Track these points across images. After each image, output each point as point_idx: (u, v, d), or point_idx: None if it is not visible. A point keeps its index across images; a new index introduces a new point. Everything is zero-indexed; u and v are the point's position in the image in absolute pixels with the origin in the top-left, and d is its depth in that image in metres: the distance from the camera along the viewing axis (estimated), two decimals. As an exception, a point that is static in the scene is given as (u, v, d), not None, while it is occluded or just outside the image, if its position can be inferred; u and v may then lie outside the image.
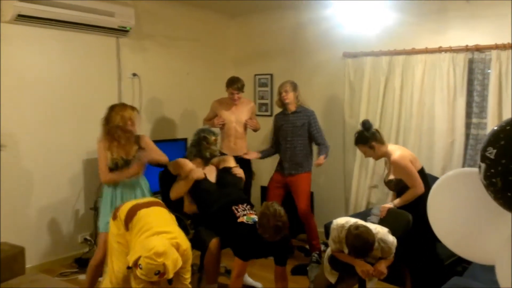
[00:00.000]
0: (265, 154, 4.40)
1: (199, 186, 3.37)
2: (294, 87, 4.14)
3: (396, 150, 3.42)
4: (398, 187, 3.41)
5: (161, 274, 2.27)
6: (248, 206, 3.27)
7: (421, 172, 3.42)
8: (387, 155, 3.43)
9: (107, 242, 2.94)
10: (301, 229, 4.39)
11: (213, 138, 3.55)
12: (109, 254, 2.78)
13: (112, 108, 3.21)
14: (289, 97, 4.11)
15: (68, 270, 3.88)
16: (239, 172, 3.59)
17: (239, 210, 3.19)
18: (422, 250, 3.26)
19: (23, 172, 3.75)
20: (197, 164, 3.51)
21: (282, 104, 4.20)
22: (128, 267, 2.33)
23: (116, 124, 3.13)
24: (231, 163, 3.64)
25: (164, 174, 3.68)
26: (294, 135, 4.15)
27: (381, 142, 3.43)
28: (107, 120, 3.17)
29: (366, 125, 3.46)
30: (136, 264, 2.28)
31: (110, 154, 3.13)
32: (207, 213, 3.31)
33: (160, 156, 3.32)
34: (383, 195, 4.42)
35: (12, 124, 3.63)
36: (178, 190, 3.41)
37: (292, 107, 4.16)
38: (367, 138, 3.40)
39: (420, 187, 3.29)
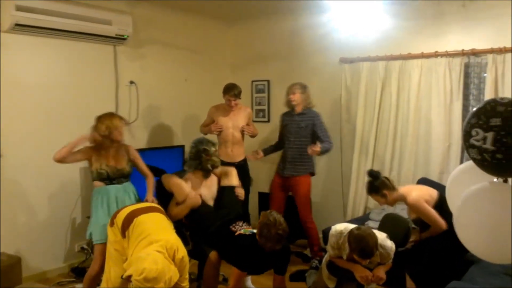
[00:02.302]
0: (266, 151, 4.39)
1: (195, 213, 3.30)
2: (303, 89, 4.18)
3: (410, 192, 3.27)
4: (423, 223, 3.31)
5: None
6: (245, 223, 3.27)
7: (440, 201, 3.22)
8: (401, 198, 3.30)
9: (103, 253, 2.93)
10: (300, 235, 4.37)
11: (213, 149, 3.49)
12: (107, 260, 2.77)
13: (98, 118, 3.23)
14: (296, 99, 4.15)
15: (65, 279, 3.86)
16: (241, 193, 3.55)
17: (236, 227, 3.20)
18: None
19: (20, 180, 3.73)
20: (197, 178, 3.45)
21: (289, 105, 4.23)
22: (122, 277, 2.32)
23: (102, 134, 3.15)
24: (234, 180, 3.57)
25: (161, 183, 3.66)
26: (298, 135, 4.16)
27: (392, 188, 3.30)
28: (94, 129, 3.20)
29: (372, 174, 3.35)
30: (128, 279, 2.26)
31: (100, 164, 3.16)
32: (204, 233, 3.28)
33: (147, 174, 3.40)
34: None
35: (9, 133, 3.62)
36: (175, 214, 3.31)
37: (298, 108, 4.18)
38: (377, 187, 3.29)
39: (441, 224, 3.13)
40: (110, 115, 3.24)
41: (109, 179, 3.20)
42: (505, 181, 1.92)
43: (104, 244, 3.02)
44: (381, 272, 2.90)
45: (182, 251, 2.51)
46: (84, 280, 3.17)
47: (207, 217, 3.30)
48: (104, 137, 3.16)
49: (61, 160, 3.10)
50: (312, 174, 4.30)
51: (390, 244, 2.94)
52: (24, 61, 3.72)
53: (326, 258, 3.18)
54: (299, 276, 3.90)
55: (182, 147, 4.74)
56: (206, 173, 3.48)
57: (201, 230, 3.31)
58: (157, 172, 3.61)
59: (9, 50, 3.59)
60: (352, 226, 3.01)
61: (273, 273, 3.13)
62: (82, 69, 4.10)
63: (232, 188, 3.52)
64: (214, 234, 3.21)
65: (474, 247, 2.05)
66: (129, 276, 2.25)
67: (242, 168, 4.22)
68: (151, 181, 3.41)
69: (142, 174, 3.43)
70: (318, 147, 4.00)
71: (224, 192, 3.49)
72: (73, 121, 4.04)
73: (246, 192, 4.26)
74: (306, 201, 4.20)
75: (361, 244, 2.76)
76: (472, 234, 2.03)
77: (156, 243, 2.42)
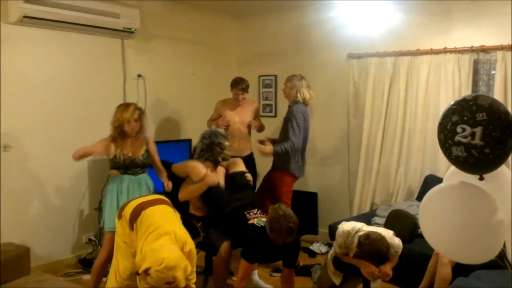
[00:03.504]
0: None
1: (211, 191, 3.32)
2: (289, 81, 3.96)
3: None
4: None
5: (171, 283, 2.27)
6: (260, 211, 3.28)
7: None
8: None
9: (112, 241, 2.94)
10: (305, 230, 4.38)
11: (226, 143, 3.50)
12: (115, 252, 2.79)
13: (116, 108, 3.31)
14: (284, 91, 4.03)
15: (73, 270, 3.90)
16: (250, 178, 3.58)
17: (250, 214, 3.21)
18: None
19: (27, 172, 3.76)
20: (207, 167, 3.46)
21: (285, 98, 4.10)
22: (137, 273, 2.32)
23: (113, 125, 3.24)
24: (242, 167, 3.60)
25: (170, 174, 3.67)
26: (281, 131, 4.02)
27: None
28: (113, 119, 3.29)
29: None
30: (146, 272, 2.27)
31: (116, 152, 3.22)
32: (219, 215, 3.30)
33: (160, 169, 3.47)
34: (387, 196, 4.42)
35: (17, 125, 3.65)
36: (189, 193, 3.35)
37: (288, 102, 4.01)
38: None
39: None
40: (125, 107, 3.28)
41: (124, 167, 3.25)
42: (481, 178, 1.93)
43: (113, 232, 3.04)
44: (388, 268, 2.90)
45: (190, 244, 2.52)
46: (92, 270, 3.21)
47: (224, 196, 3.34)
48: (115, 128, 3.23)
49: (78, 159, 3.25)
50: (292, 174, 3.95)
51: (397, 242, 2.93)
52: (32, 54, 3.74)
53: (331, 253, 3.18)
54: (304, 271, 3.90)
55: (189, 140, 4.74)
56: (216, 164, 3.51)
57: (216, 210, 3.33)
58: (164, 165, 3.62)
59: (17, 42, 3.61)
60: (359, 225, 3.00)
61: (282, 266, 3.14)
62: (90, 62, 4.11)
63: (242, 173, 3.54)
64: (229, 217, 3.23)
65: (437, 246, 2.08)
66: (146, 270, 2.25)
67: (249, 162, 4.22)
68: (165, 175, 3.46)
69: (156, 169, 3.47)
70: (267, 147, 3.77)
71: (235, 177, 3.51)
72: (80, 113, 4.06)
73: (253, 187, 4.27)
74: (281, 201, 3.83)
75: (376, 253, 2.77)
76: (435, 232, 2.06)
77: (166, 235, 2.43)
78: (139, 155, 3.29)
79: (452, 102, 1.96)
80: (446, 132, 1.90)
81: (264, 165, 4.83)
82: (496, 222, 1.91)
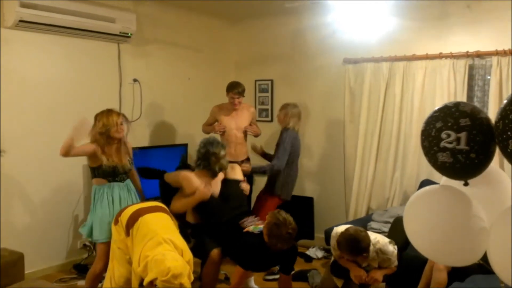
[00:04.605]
0: (266, 156, 4.35)
1: (206, 204, 3.26)
2: (284, 108, 4.10)
3: None
4: None
5: None
6: (257, 218, 3.25)
7: None
8: None
9: (106, 253, 2.92)
10: (302, 235, 4.36)
11: (222, 153, 3.43)
12: (110, 258, 2.77)
13: (96, 116, 3.18)
14: (279, 117, 4.13)
15: (67, 276, 3.87)
16: (246, 188, 3.55)
17: (245, 223, 3.18)
18: None
19: (22, 177, 3.74)
20: (204, 176, 3.40)
21: None
22: (141, 285, 2.30)
23: (99, 131, 3.10)
24: (238, 175, 3.57)
25: (164, 181, 3.65)
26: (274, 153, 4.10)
27: None
28: (93, 127, 3.15)
29: None
30: (151, 283, 2.25)
31: (104, 161, 3.12)
32: (212, 225, 3.26)
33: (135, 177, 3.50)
34: (383, 201, 4.42)
35: (12, 130, 3.63)
36: (181, 206, 3.29)
37: (281, 127, 4.13)
38: None
39: None
40: (107, 112, 3.16)
41: (113, 175, 3.19)
42: (466, 184, 1.95)
43: (107, 243, 3.01)
44: (377, 274, 2.90)
45: (188, 254, 2.49)
46: (86, 278, 3.17)
47: (219, 209, 3.29)
48: (101, 134, 3.10)
49: (66, 154, 3.00)
50: (278, 197, 4.01)
51: (391, 249, 2.93)
52: (28, 58, 3.72)
53: (332, 258, 3.19)
54: (301, 276, 3.89)
55: (185, 145, 4.74)
56: (213, 174, 3.43)
57: (211, 222, 3.29)
58: (156, 174, 3.59)
59: (13, 46, 3.60)
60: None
61: (279, 272, 3.13)
62: (86, 66, 4.10)
63: (237, 181, 3.51)
64: (223, 227, 3.19)
65: (421, 249, 2.12)
66: (152, 281, 2.23)
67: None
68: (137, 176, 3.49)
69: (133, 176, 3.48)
70: (244, 167, 3.84)
71: (229, 184, 3.47)
72: (76, 118, 4.01)
73: (249, 194, 4.27)
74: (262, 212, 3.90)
75: (347, 241, 2.82)
76: (418, 234, 2.09)
77: (165, 243, 2.41)
78: (125, 161, 3.23)
79: (434, 110, 1.99)
80: (430, 139, 1.92)
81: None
82: (474, 224, 1.92)
